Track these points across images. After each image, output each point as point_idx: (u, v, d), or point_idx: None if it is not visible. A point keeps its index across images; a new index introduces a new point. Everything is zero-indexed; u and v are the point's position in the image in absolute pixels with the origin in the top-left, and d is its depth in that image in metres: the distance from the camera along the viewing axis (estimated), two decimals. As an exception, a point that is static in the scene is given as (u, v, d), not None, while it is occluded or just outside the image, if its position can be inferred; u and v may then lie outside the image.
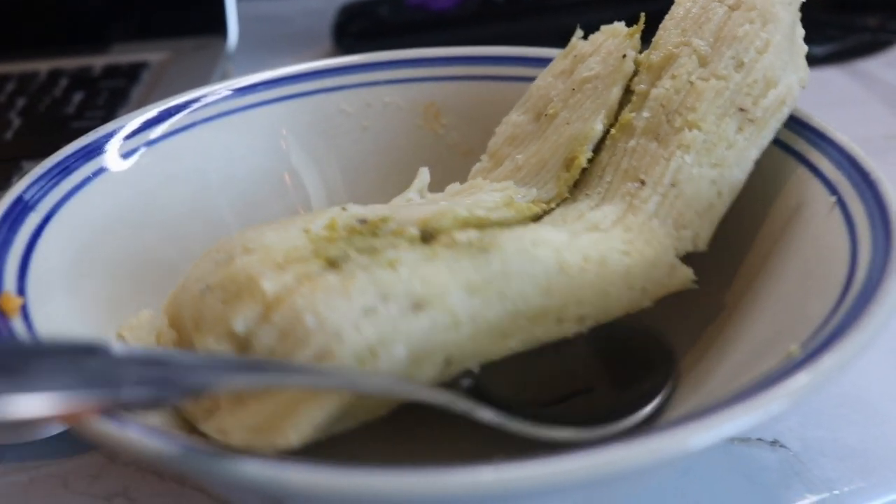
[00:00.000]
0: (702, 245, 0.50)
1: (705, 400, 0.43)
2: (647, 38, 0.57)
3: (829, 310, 0.42)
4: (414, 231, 0.47)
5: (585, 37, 0.59)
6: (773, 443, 0.50)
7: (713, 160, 0.51)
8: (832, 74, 0.93)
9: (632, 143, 0.53)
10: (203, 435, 0.47)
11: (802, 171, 0.52)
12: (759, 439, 0.50)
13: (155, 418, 0.46)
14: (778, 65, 0.52)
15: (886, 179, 0.48)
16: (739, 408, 0.37)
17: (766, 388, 0.37)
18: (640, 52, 0.56)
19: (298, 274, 0.44)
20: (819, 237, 0.48)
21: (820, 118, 0.53)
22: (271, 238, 0.47)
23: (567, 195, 0.54)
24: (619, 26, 0.58)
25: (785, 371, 0.38)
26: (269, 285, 0.44)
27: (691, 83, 0.52)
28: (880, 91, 0.90)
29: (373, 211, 0.49)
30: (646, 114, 0.53)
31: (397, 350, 0.42)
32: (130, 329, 0.51)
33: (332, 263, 0.45)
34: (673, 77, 0.53)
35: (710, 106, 0.51)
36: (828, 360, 0.38)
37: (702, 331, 0.52)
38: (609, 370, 0.53)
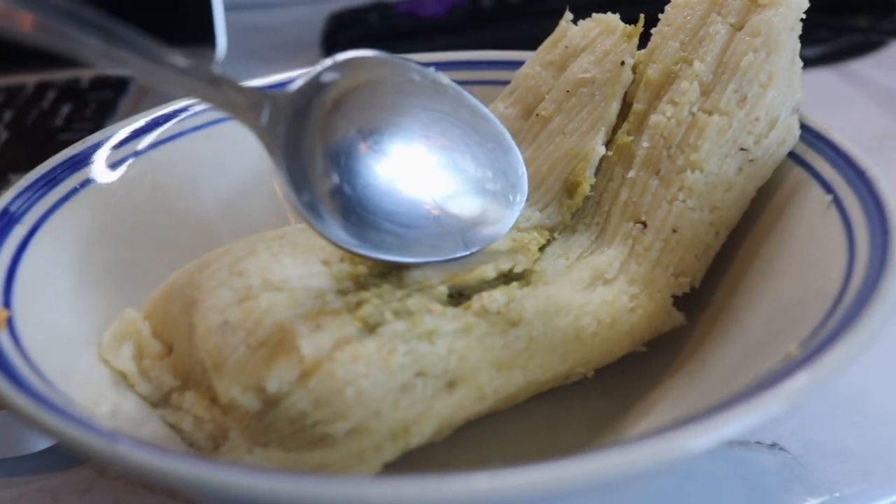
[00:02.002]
0: (696, 284, 0.52)
1: (702, 400, 0.42)
2: (641, 41, 0.56)
3: (827, 309, 0.42)
4: (443, 289, 0.47)
5: (575, 21, 0.59)
6: (773, 446, 0.50)
7: (713, 203, 0.51)
8: (824, 76, 0.93)
9: (631, 173, 0.53)
10: (195, 449, 0.46)
11: (798, 171, 0.52)
12: (759, 442, 0.50)
13: (147, 432, 0.46)
14: (779, 99, 0.52)
15: (882, 177, 0.47)
16: (739, 409, 0.36)
17: (765, 389, 0.37)
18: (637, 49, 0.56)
19: (336, 337, 0.44)
20: (816, 236, 0.48)
21: (817, 118, 0.53)
22: (292, 271, 0.47)
23: (568, 222, 0.54)
24: (613, 20, 0.57)
25: (784, 372, 0.38)
26: (308, 349, 0.43)
27: (693, 115, 0.52)
28: (872, 92, 0.90)
29: None
30: (645, 143, 0.53)
31: (429, 426, 0.44)
32: (112, 339, 0.50)
33: (369, 326, 0.45)
34: (673, 104, 0.53)
35: (712, 146, 0.51)
36: (828, 360, 0.38)
37: (699, 330, 0.52)
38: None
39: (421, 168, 0.49)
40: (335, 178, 0.47)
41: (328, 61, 0.47)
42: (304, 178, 0.46)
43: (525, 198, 0.51)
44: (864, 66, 0.95)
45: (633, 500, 0.47)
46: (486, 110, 0.51)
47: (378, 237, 0.47)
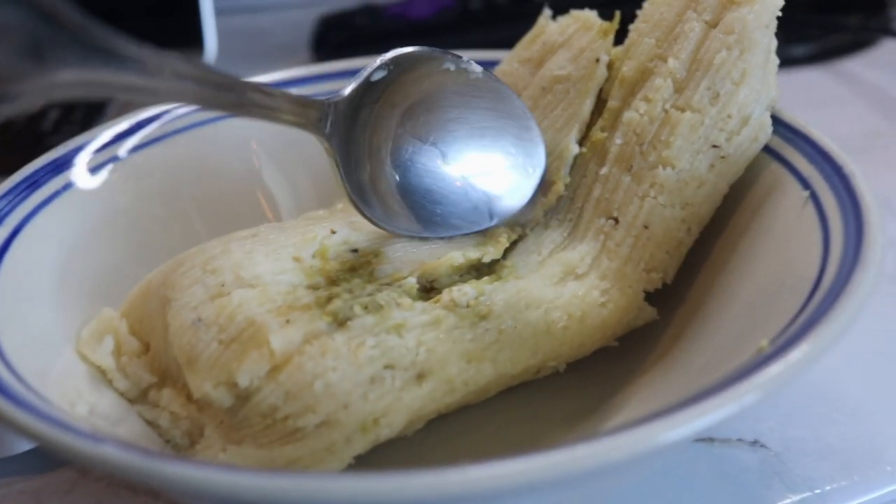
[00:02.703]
0: (668, 280, 0.52)
1: (677, 394, 0.42)
2: (618, 37, 0.56)
3: (800, 304, 0.42)
4: (412, 281, 0.48)
5: (554, 17, 0.59)
6: (754, 443, 0.50)
7: (684, 199, 0.51)
8: (814, 74, 0.93)
9: (604, 170, 0.53)
10: (175, 448, 0.47)
11: (776, 167, 0.52)
12: (740, 440, 0.50)
13: (124, 429, 0.46)
14: (752, 97, 0.52)
15: (860, 173, 0.48)
16: (711, 401, 0.36)
17: (736, 381, 0.37)
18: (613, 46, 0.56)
19: (305, 332, 0.44)
20: (792, 232, 0.48)
21: (795, 115, 0.53)
22: (264, 268, 0.47)
23: (541, 219, 0.54)
24: (591, 17, 0.57)
25: (755, 364, 0.38)
26: (278, 343, 0.44)
27: (666, 111, 0.52)
28: (861, 90, 0.90)
29: (362, 237, 0.50)
30: (618, 140, 0.53)
31: (399, 418, 0.44)
32: (90, 336, 0.50)
33: (338, 321, 0.45)
34: (647, 100, 0.53)
35: (684, 142, 0.51)
36: (798, 353, 0.38)
37: (673, 325, 0.52)
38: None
39: (453, 148, 0.53)
40: (384, 167, 0.51)
41: (377, 61, 0.51)
42: (357, 171, 0.51)
43: (543, 170, 0.54)
44: (855, 65, 0.95)
45: (614, 496, 0.47)
46: (510, 92, 0.54)
47: (420, 217, 0.51)
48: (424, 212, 0.51)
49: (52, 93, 0.39)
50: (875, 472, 0.48)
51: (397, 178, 0.51)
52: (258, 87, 0.47)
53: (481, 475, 0.34)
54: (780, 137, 0.53)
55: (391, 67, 0.51)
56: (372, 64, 0.51)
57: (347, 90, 0.50)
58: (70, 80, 0.39)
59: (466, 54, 0.66)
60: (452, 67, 0.53)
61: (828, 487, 0.48)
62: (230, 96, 0.46)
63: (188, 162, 0.61)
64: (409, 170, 0.52)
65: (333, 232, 0.50)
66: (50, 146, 0.59)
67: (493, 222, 0.52)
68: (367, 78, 0.51)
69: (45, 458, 0.51)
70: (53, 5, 0.38)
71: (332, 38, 0.98)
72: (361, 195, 0.50)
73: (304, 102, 0.49)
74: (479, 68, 0.54)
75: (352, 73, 0.64)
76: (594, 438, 0.35)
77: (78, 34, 0.39)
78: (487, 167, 0.53)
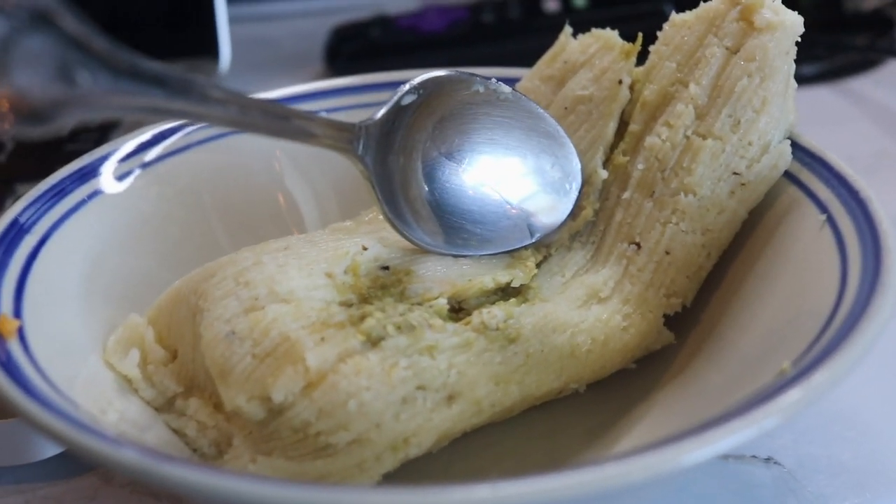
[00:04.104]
0: (688, 304, 0.53)
1: (697, 415, 0.43)
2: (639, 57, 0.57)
3: (820, 326, 0.43)
4: (443, 302, 0.49)
5: (574, 35, 0.60)
6: (768, 460, 0.50)
7: (705, 226, 0.52)
8: (821, 93, 0.93)
9: (626, 194, 0.54)
10: (202, 457, 0.47)
11: (793, 190, 0.53)
12: (754, 456, 0.51)
13: (152, 436, 0.47)
14: (772, 124, 0.53)
15: (876, 198, 0.48)
16: (733, 424, 0.37)
17: (759, 405, 0.38)
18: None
19: (340, 350, 0.45)
20: (809, 255, 0.49)
21: (810, 137, 0.54)
22: (297, 283, 0.48)
23: (565, 241, 0.55)
24: (612, 36, 0.58)
25: (778, 387, 0.39)
26: (313, 361, 0.44)
27: (687, 138, 0.53)
28: (869, 109, 0.91)
29: (392, 254, 0.51)
30: (640, 165, 0.54)
31: (428, 438, 0.45)
32: (116, 344, 0.51)
33: (372, 340, 0.46)
34: (669, 126, 0.54)
35: (706, 169, 0.52)
36: (819, 377, 0.38)
37: (688, 345, 0.53)
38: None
39: (488, 168, 0.54)
40: (419, 188, 0.52)
41: (406, 86, 0.52)
42: (392, 192, 0.52)
43: (580, 185, 0.55)
44: (862, 84, 0.95)
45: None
46: (541, 111, 0.55)
47: (458, 236, 0.52)
48: (464, 231, 0.52)
49: (84, 114, 0.40)
50: (887, 490, 0.49)
51: (434, 198, 0.52)
52: (299, 114, 0.49)
53: (511, 491, 0.35)
54: (797, 161, 0.53)
55: (420, 91, 0.52)
56: (402, 88, 0.52)
57: (379, 114, 0.51)
58: (103, 102, 0.41)
59: (480, 69, 0.67)
60: (482, 89, 0.54)
61: (841, 505, 0.48)
62: (274, 122, 0.47)
63: (211, 170, 0.62)
64: (446, 191, 0.53)
65: (365, 248, 0.51)
66: (67, 153, 0.59)
67: (534, 239, 0.53)
68: (398, 102, 0.52)
69: (69, 465, 0.51)
70: (81, 32, 0.39)
71: (346, 49, 0.99)
72: (399, 215, 0.51)
73: (339, 126, 0.50)
74: (507, 89, 0.54)
75: (369, 88, 0.66)
76: (620, 458, 0.36)
77: (105, 58, 0.40)
78: (525, 185, 0.54)
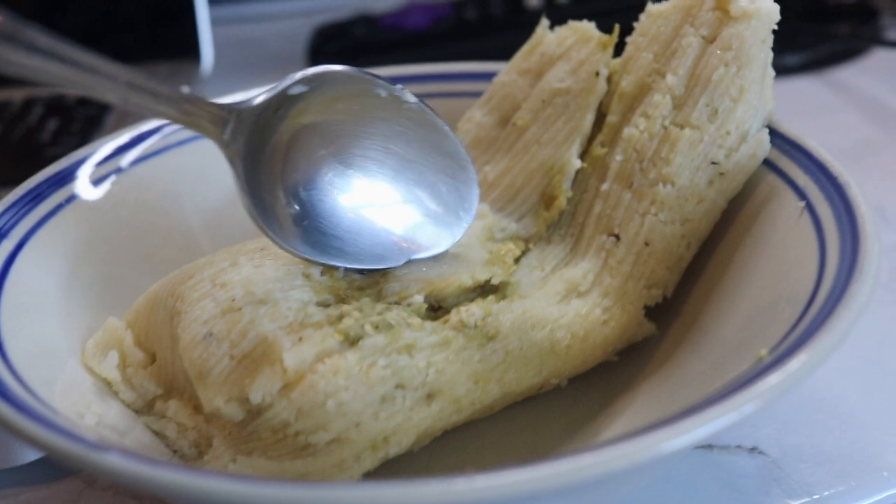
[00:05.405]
0: (668, 295, 0.53)
1: (678, 405, 0.43)
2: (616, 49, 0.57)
3: (798, 313, 0.42)
4: (420, 300, 0.49)
5: (552, 27, 0.59)
6: (753, 450, 0.50)
7: (684, 216, 0.52)
8: (806, 83, 0.94)
9: (604, 186, 0.54)
10: (182, 459, 0.47)
11: (772, 178, 0.52)
12: (739, 446, 0.51)
13: (132, 439, 0.47)
14: (750, 113, 0.52)
15: (855, 183, 0.48)
16: (713, 410, 0.37)
17: (735, 392, 0.37)
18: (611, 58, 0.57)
19: (318, 350, 0.45)
20: (788, 242, 0.49)
21: (790, 126, 0.54)
22: (274, 284, 0.47)
23: (543, 233, 0.55)
24: (589, 29, 0.58)
25: (755, 374, 0.38)
26: (291, 361, 0.44)
27: (665, 128, 0.53)
28: (854, 99, 0.91)
29: None
30: (619, 156, 0.54)
31: (408, 437, 0.45)
32: (95, 348, 0.51)
33: (350, 339, 0.46)
34: (646, 116, 0.53)
35: (684, 159, 0.52)
36: (796, 363, 0.38)
37: (669, 335, 0.53)
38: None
39: (375, 179, 0.51)
40: (292, 186, 0.49)
41: (297, 75, 0.48)
42: (261, 186, 0.47)
43: (473, 214, 0.52)
44: (847, 73, 0.96)
45: (614, 502, 0.47)
46: (446, 128, 0.52)
47: (328, 243, 0.49)
48: (332, 238, 0.49)
49: None
50: (871, 478, 0.49)
51: (309, 199, 0.49)
52: (145, 79, 0.45)
53: (488, 484, 0.35)
54: (776, 149, 0.53)
55: (314, 83, 0.48)
56: (292, 76, 0.48)
57: (258, 99, 0.48)
58: None
59: (462, 64, 0.67)
60: (384, 94, 0.50)
61: (825, 493, 0.48)
62: (107, 82, 0.44)
63: (189, 172, 0.61)
64: (325, 193, 0.49)
65: None
66: (48, 157, 0.59)
67: (400, 263, 0.50)
68: (285, 90, 0.48)
69: (51, 469, 0.51)
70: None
71: (329, 49, 0.99)
72: (263, 210, 0.47)
73: (199, 103, 0.46)
74: (414, 98, 0.51)
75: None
76: (598, 448, 0.36)
77: None
78: (411, 204, 0.51)
